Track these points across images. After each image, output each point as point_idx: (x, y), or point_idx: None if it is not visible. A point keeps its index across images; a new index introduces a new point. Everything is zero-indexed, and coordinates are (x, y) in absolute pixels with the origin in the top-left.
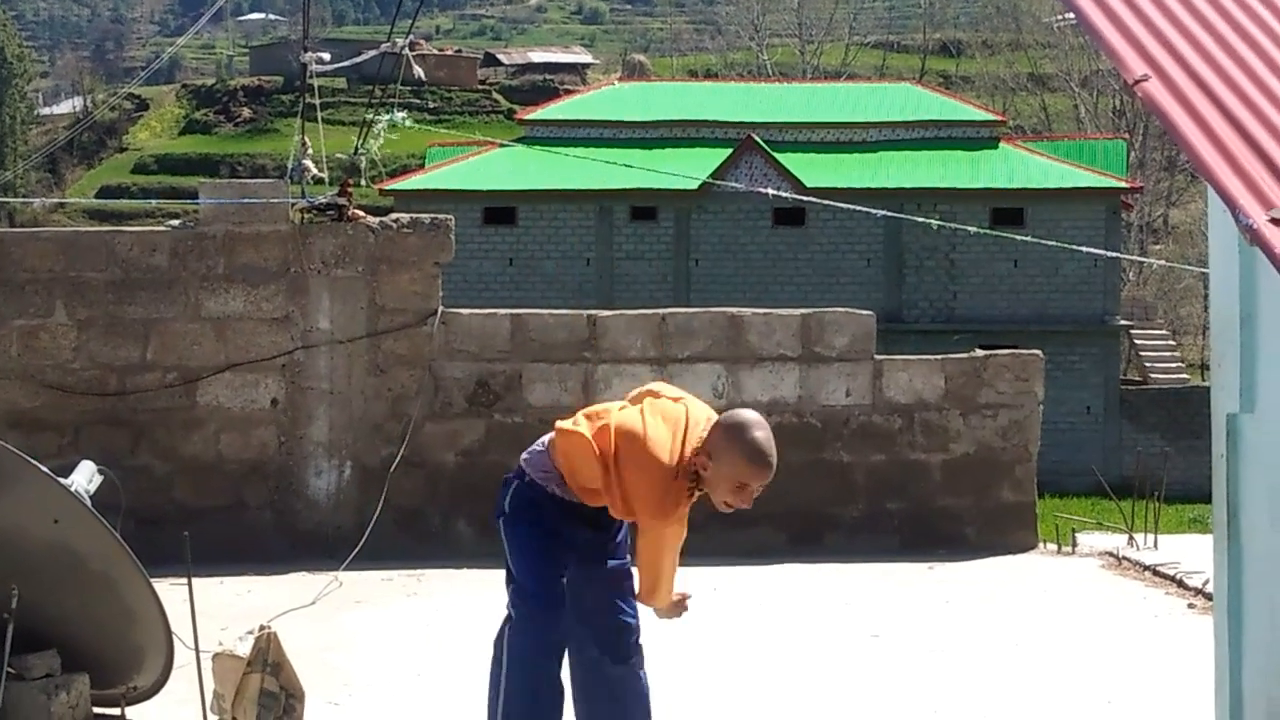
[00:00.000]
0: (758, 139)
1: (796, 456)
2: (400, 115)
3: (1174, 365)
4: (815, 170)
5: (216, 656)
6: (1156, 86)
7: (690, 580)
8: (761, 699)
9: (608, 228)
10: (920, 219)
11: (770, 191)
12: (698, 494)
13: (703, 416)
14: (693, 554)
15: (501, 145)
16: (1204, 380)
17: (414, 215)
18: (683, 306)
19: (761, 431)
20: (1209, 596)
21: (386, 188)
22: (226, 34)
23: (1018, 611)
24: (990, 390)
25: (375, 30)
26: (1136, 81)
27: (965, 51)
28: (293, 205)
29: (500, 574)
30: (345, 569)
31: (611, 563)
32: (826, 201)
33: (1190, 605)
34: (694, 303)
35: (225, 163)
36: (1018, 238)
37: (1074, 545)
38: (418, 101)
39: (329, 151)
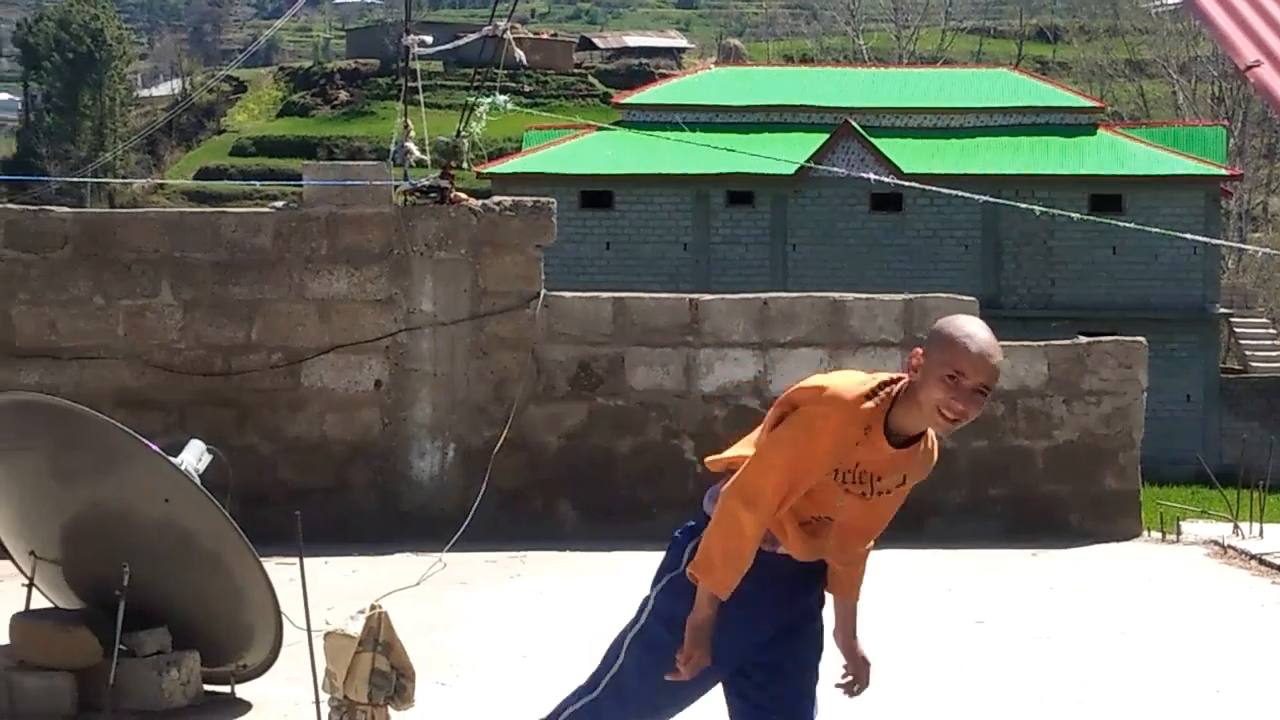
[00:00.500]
0: (855, 124)
1: None
2: (503, 98)
3: (1274, 354)
4: (912, 156)
5: (328, 635)
6: (1269, 72)
7: None
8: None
9: (705, 212)
10: (1021, 205)
11: (871, 176)
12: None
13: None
14: None
15: (599, 129)
16: None
17: (516, 198)
18: (780, 292)
19: (977, 323)
20: None
21: (484, 170)
22: (323, 17)
23: (1123, 599)
24: (1094, 377)
25: (471, 14)
26: (1249, 67)
27: (1062, 37)
28: (395, 187)
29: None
30: (449, 550)
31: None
32: (925, 186)
33: None
34: (791, 288)
35: (322, 145)
36: (1117, 224)
37: (1178, 533)
38: (513, 85)
39: (428, 134)
